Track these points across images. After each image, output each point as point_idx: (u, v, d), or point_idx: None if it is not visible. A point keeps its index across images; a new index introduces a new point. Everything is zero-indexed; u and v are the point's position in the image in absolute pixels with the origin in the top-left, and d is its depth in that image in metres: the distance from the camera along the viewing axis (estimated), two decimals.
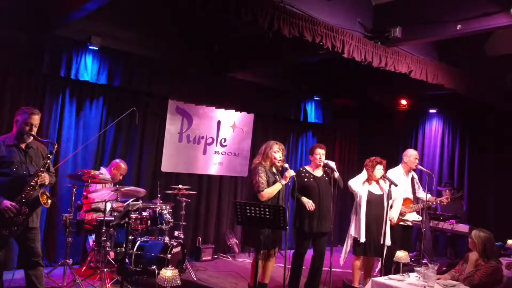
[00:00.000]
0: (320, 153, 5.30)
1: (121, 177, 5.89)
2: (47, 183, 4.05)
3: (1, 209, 3.77)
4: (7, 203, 3.79)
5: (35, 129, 4.05)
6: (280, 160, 4.93)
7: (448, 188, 7.53)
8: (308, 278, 5.39)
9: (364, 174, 5.47)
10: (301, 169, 5.40)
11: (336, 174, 5.22)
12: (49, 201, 4.04)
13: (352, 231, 5.41)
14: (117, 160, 5.96)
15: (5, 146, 3.99)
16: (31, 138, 4.06)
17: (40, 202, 3.92)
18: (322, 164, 5.30)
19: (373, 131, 9.59)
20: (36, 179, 3.92)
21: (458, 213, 7.27)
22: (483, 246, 4.29)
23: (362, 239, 5.25)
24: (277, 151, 4.92)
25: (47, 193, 4.04)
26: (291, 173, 4.77)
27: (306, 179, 5.24)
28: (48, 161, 4.06)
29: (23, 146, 4.06)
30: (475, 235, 4.38)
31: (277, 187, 4.77)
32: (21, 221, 3.87)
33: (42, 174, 3.97)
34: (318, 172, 5.36)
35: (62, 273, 4.87)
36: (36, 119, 4.06)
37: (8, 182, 3.90)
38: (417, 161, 5.95)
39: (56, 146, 4.18)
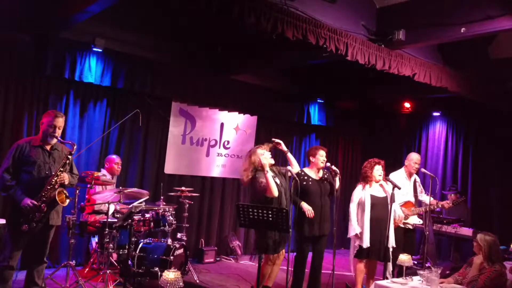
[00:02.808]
0: (323, 155, 5.27)
1: (119, 169, 5.91)
2: (66, 182, 4.22)
3: (21, 206, 3.97)
4: (28, 200, 3.99)
5: (58, 131, 4.22)
6: (270, 158, 4.82)
7: (453, 192, 7.50)
8: (309, 279, 5.37)
9: (356, 197, 5.40)
10: (299, 171, 5.25)
11: (337, 184, 5.20)
12: (67, 200, 4.21)
13: (353, 236, 5.38)
14: (109, 156, 6.00)
15: (30, 146, 4.17)
16: (55, 139, 4.22)
17: (57, 200, 4.06)
18: (325, 166, 5.26)
19: (377, 134, 9.59)
20: (55, 178, 4.09)
21: (463, 217, 7.24)
22: (489, 249, 4.26)
23: (366, 244, 5.23)
24: (262, 153, 4.81)
25: (65, 192, 4.22)
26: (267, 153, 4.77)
27: (305, 182, 5.18)
28: (68, 161, 4.22)
29: (48, 147, 4.23)
30: (480, 239, 4.35)
31: (271, 181, 4.62)
32: (39, 218, 4.04)
33: (62, 174, 4.14)
34: (318, 175, 5.34)
35: (65, 275, 4.88)
36: (60, 121, 4.22)
37: (31, 181, 4.09)
38: (416, 165, 5.93)
39: (75, 147, 4.32)
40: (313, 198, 5.14)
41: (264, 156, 4.78)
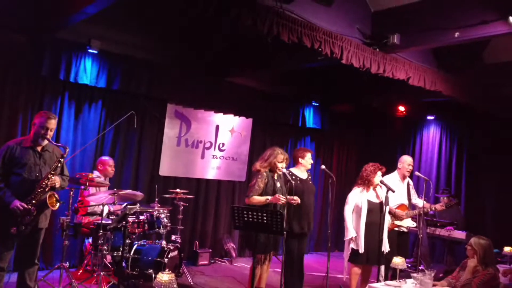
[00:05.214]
0: (311, 157, 5.45)
1: (112, 171, 5.88)
2: (57, 186, 4.18)
3: (11, 208, 3.91)
4: (17, 203, 3.93)
5: (50, 133, 4.17)
6: (282, 169, 5.01)
7: (446, 195, 7.55)
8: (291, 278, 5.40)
9: (352, 200, 5.42)
10: (287, 171, 5.20)
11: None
12: (58, 203, 4.16)
13: (350, 241, 5.38)
14: (100, 158, 5.98)
15: (20, 147, 4.11)
16: (46, 141, 4.17)
17: (47, 204, 4.02)
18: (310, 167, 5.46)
19: (371, 137, 9.62)
20: (46, 181, 4.04)
21: (456, 219, 7.28)
22: (484, 253, 4.29)
23: (361, 250, 5.24)
24: (281, 161, 4.99)
25: (56, 196, 4.16)
26: (281, 199, 4.81)
27: (293, 182, 5.20)
28: (60, 165, 4.18)
29: (39, 149, 4.18)
30: (475, 243, 4.37)
31: (262, 199, 4.85)
32: (28, 221, 3.99)
33: (53, 177, 4.09)
34: (304, 175, 5.41)
35: (58, 276, 4.84)
36: (52, 123, 4.17)
37: (21, 183, 4.03)
38: (410, 167, 5.96)
39: (67, 150, 4.27)
40: (300, 197, 5.18)
41: (280, 167, 4.99)
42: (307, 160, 5.42)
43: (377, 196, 5.43)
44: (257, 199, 4.85)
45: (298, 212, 5.14)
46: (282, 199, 4.79)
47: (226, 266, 7.21)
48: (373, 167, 5.45)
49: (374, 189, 5.46)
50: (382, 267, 5.41)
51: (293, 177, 5.24)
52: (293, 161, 5.61)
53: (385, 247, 5.31)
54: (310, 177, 5.52)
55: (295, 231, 5.17)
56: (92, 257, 5.44)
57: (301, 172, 5.42)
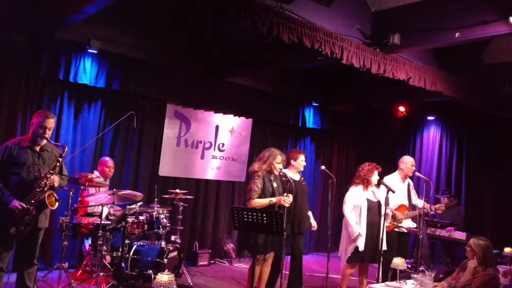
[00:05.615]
0: (304, 159, 5.45)
1: (110, 173, 5.88)
2: (56, 185, 4.16)
3: (10, 208, 3.89)
4: (16, 203, 3.92)
5: (49, 132, 4.15)
6: (279, 170, 5.01)
7: (446, 196, 7.54)
8: (289, 278, 5.38)
9: (350, 200, 5.42)
10: (281, 173, 5.20)
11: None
12: (57, 203, 4.14)
13: (354, 239, 5.37)
14: (102, 158, 5.99)
15: (19, 147, 4.09)
16: (45, 140, 4.15)
17: (46, 203, 4.01)
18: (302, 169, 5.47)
19: (371, 137, 9.62)
20: (45, 181, 4.02)
21: (456, 220, 7.27)
22: (483, 254, 4.28)
23: (361, 248, 5.24)
24: (279, 162, 4.96)
25: (55, 195, 4.15)
26: (286, 201, 4.77)
27: (287, 184, 5.17)
28: (58, 164, 4.16)
29: (37, 148, 4.16)
30: (474, 244, 4.36)
31: (266, 201, 4.79)
32: (28, 221, 3.98)
33: (51, 177, 4.08)
34: (296, 176, 5.40)
35: (57, 277, 4.84)
36: (50, 122, 4.15)
37: (20, 183, 4.02)
38: (413, 168, 5.95)
39: (66, 149, 4.26)
40: (294, 198, 5.17)
41: (278, 168, 4.95)
42: (300, 162, 5.40)
43: (374, 195, 5.44)
44: (259, 202, 4.77)
45: (292, 213, 5.13)
46: (287, 200, 4.77)
47: (225, 267, 7.20)
48: (370, 166, 5.48)
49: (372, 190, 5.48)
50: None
51: (286, 179, 5.24)
52: (286, 163, 5.59)
53: (383, 245, 5.31)
54: (302, 178, 5.50)
55: (286, 232, 5.16)
56: (91, 257, 5.43)
57: (293, 173, 5.39)
